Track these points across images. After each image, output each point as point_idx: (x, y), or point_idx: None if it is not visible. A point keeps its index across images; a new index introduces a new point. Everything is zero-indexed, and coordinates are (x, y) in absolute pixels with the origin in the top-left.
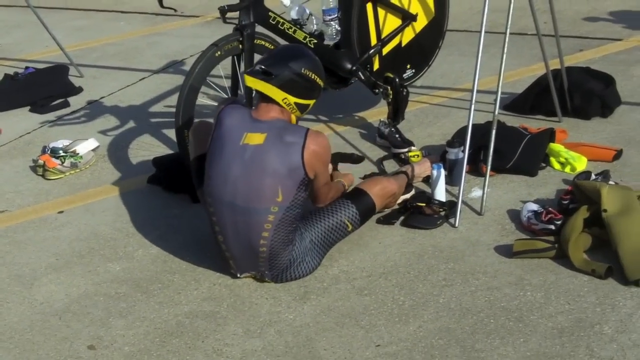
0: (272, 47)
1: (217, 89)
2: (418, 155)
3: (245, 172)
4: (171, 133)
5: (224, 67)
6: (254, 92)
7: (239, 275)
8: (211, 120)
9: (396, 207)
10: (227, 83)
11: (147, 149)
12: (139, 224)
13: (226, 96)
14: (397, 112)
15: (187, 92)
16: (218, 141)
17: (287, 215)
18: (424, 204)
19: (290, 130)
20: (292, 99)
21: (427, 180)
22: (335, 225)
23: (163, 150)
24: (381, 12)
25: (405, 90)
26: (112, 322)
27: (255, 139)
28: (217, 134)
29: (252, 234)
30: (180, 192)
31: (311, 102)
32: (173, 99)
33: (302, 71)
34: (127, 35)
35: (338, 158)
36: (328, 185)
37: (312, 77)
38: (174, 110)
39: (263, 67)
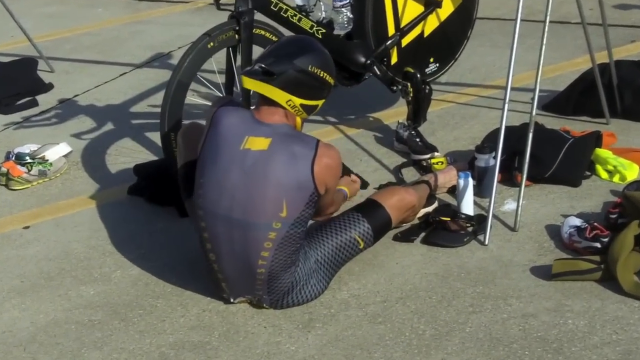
0: (274, 37)
1: (210, 86)
2: (442, 162)
3: (245, 181)
4: (156, 136)
5: (217, 61)
6: (252, 91)
7: (232, 300)
8: (203, 122)
9: (416, 221)
10: (220, 79)
11: (127, 154)
12: (117, 241)
13: (220, 94)
14: (418, 113)
15: (174, 90)
16: (213, 144)
17: (291, 233)
18: (448, 219)
19: (298, 139)
20: (298, 101)
21: (453, 191)
22: (345, 242)
23: (146, 156)
24: None
25: (427, 87)
26: (86, 354)
27: (259, 143)
28: (211, 136)
29: (250, 253)
30: (165, 205)
31: (319, 102)
32: (158, 98)
33: (309, 69)
34: (105, 23)
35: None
36: (331, 197)
37: (321, 75)
38: (159, 110)
39: (263, 66)
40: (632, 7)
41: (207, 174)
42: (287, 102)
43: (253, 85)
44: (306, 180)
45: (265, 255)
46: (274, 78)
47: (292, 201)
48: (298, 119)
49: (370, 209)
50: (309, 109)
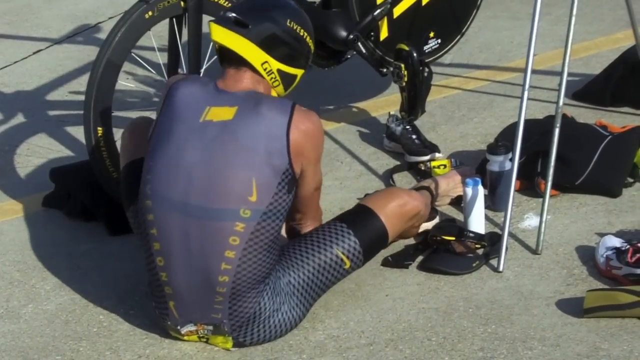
0: (229, 5)
1: (147, 66)
2: (445, 166)
3: (205, 158)
4: (79, 132)
5: (157, 35)
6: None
7: (179, 328)
8: (154, 116)
9: (412, 241)
10: (162, 58)
11: (42, 155)
12: (28, 267)
13: (161, 77)
14: (414, 102)
15: (102, 72)
16: (166, 121)
17: (263, 227)
18: (453, 238)
19: (270, 102)
20: (275, 64)
21: (458, 202)
22: (326, 262)
23: (66, 157)
24: None
25: (426, 70)
26: None
27: (222, 113)
28: (165, 114)
29: (211, 253)
30: (90, 220)
31: (298, 72)
32: (82, 82)
33: (288, 24)
34: None
35: None
36: (319, 193)
37: (301, 33)
38: (82, 98)
39: (236, 15)
40: None
41: (158, 155)
42: (262, 64)
43: (223, 36)
44: (279, 152)
45: (230, 257)
46: (249, 30)
47: (263, 180)
48: (273, 92)
49: (359, 217)
50: (286, 79)
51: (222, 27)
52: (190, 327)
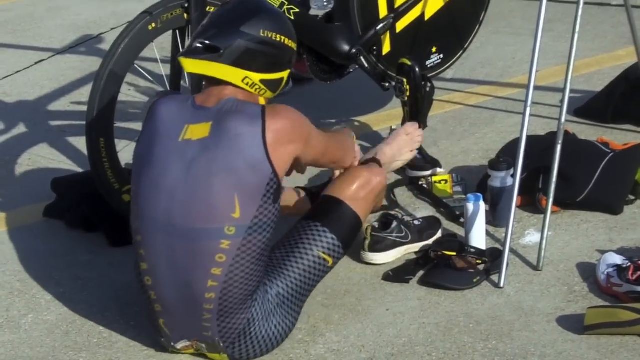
0: None
1: (150, 78)
2: (446, 181)
3: (187, 178)
4: (80, 142)
5: (160, 47)
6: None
7: (173, 344)
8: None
9: (413, 257)
10: (164, 70)
11: (44, 165)
12: (29, 277)
13: (162, 89)
14: (416, 117)
15: (105, 83)
16: (146, 142)
17: (250, 241)
18: (454, 253)
19: (239, 113)
20: (256, 77)
21: (456, 216)
22: (309, 265)
23: (68, 167)
24: None
25: (429, 84)
26: None
27: (199, 131)
28: (146, 133)
29: (197, 272)
30: (91, 230)
31: (284, 74)
32: (85, 93)
33: (262, 34)
34: None
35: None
36: (329, 140)
37: (278, 39)
38: (85, 109)
39: (205, 41)
40: None
41: (142, 175)
42: (243, 80)
43: (196, 67)
44: (259, 161)
45: (216, 274)
46: (221, 54)
47: (245, 196)
48: (262, 100)
49: (328, 211)
50: (272, 85)
51: (192, 59)
52: (185, 343)
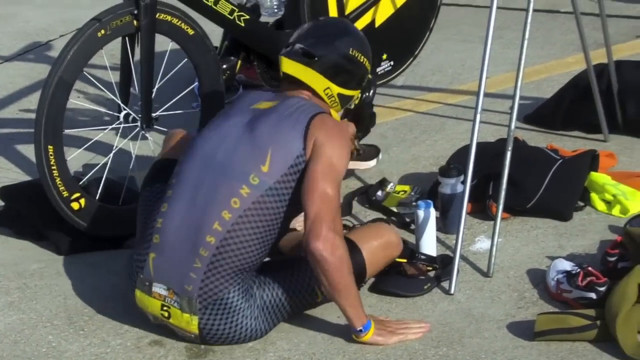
0: (183, 24)
1: (99, 85)
2: (405, 192)
3: (241, 131)
4: (29, 150)
5: (109, 54)
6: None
7: (147, 285)
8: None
9: None
10: (114, 77)
11: None
12: None
13: (112, 96)
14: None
15: (53, 90)
16: (227, 108)
17: (264, 202)
18: (404, 260)
19: (306, 105)
20: (336, 89)
21: (406, 223)
22: (300, 291)
23: (16, 175)
24: None
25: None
26: None
27: (268, 104)
28: (229, 105)
29: (211, 207)
30: (42, 239)
31: (355, 93)
32: (33, 100)
33: (350, 52)
34: None
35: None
36: (328, 199)
37: (361, 60)
38: (33, 116)
39: (303, 46)
40: None
41: (211, 124)
42: (324, 90)
43: (292, 68)
44: (296, 136)
45: (225, 218)
46: (315, 61)
47: (276, 155)
48: (333, 112)
49: None
50: (344, 100)
51: (290, 59)
52: (161, 290)
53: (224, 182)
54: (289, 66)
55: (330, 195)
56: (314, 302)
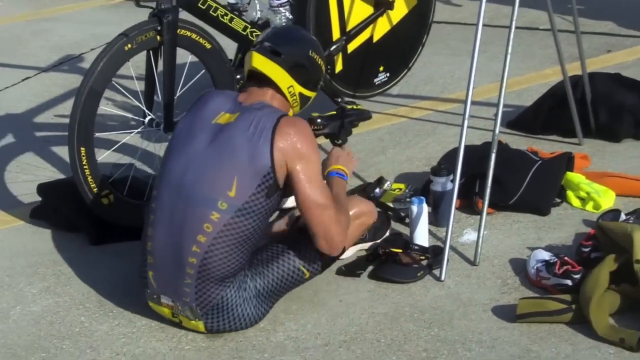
0: (201, 40)
1: (126, 94)
2: (401, 189)
3: (206, 151)
4: (63, 151)
5: (135, 65)
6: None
7: (155, 297)
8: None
9: (363, 253)
10: (139, 86)
11: (30, 172)
12: (17, 273)
13: (138, 103)
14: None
15: (85, 98)
16: (188, 120)
17: (236, 222)
18: (400, 250)
19: (265, 111)
20: (298, 88)
21: (401, 217)
22: (287, 273)
23: (52, 174)
24: None
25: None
26: None
27: (229, 118)
28: (188, 115)
29: (187, 233)
30: (74, 230)
31: (312, 95)
32: (67, 107)
33: (310, 53)
34: (5, 20)
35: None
36: (327, 214)
37: (319, 62)
38: (67, 121)
39: (271, 44)
40: (608, 13)
41: (173, 145)
42: (288, 87)
43: (261, 63)
44: (262, 154)
45: (201, 241)
46: (282, 58)
47: (243, 180)
48: (290, 112)
49: None
50: (304, 100)
51: (261, 55)
52: (168, 301)
53: (195, 209)
54: (259, 61)
55: (323, 202)
56: (303, 279)
